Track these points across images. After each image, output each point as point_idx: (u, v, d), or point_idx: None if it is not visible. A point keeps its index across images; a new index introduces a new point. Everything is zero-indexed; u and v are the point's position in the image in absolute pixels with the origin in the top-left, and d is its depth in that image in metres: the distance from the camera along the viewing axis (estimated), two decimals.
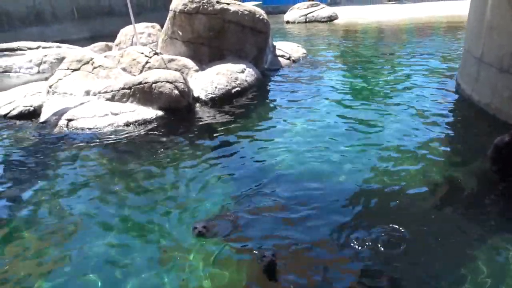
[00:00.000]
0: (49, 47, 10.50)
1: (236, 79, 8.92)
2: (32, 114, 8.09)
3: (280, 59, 11.68)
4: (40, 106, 8.17)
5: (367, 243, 3.89)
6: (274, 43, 12.19)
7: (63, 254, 4.00)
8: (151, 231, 4.31)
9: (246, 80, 9.11)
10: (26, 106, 8.22)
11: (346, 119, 7.21)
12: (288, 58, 11.82)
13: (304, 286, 3.47)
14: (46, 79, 9.26)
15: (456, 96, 7.99)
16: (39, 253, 4.05)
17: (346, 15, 22.70)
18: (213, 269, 3.70)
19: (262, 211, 4.53)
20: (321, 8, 22.84)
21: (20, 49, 10.10)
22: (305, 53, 12.65)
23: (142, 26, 12.16)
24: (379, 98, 8.36)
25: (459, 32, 15.57)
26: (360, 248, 3.84)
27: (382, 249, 3.81)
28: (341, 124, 6.98)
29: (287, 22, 22.77)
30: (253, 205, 4.64)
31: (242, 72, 9.22)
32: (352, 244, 3.90)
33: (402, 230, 4.02)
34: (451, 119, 7.03)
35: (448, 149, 6.01)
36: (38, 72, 9.57)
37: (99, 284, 3.58)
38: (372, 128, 6.70)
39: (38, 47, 10.35)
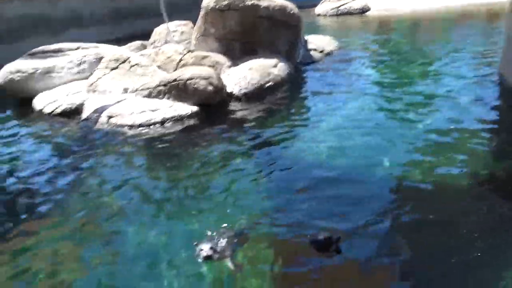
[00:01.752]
0: (88, 48, 10.88)
1: (269, 74, 8.95)
2: (74, 112, 8.44)
3: (312, 53, 11.59)
4: (82, 104, 8.51)
5: (405, 243, 3.85)
6: (306, 37, 12.11)
7: (97, 242, 4.19)
8: (172, 234, 4.24)
9: (279, 75, 9.12)
10: (69, 105, 8.58)
11: (382, 112, 7.10)
12: (321, 52, 11.71)
13: None
14: (86, 78, 9.62)
15: (499, 87, 7.69)
16: (75, 240, 4.29)
17: (379, 6, 22.18)
18: None
19: (291, 215, 4.35)
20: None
21: (61, 51, 10.52)
22: (337, 47, 12.50)
23: (175, 25, 12.38)
24: (416, 90, 8.16)
25: (499, 19, 14.89)
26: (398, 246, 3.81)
27: (421, 246, 3.76)
28: (377, 117, 6.88)
29: (319, 15, 22.52)
30: (282, 210, 4.47)
31: (275, 67, 9.24)
32: (390, 243, 3.87)
33: (441, 228, 3.95)
34: (494, 111, 6.77)
35: (491, 142, 5.81)
36: (78, 72, 9.95)
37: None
38: (410, 121, 6.57)
39: (77, 48, 10.74)
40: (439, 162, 5.18)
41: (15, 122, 8.54)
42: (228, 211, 4.52)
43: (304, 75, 10.15)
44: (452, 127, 6.12)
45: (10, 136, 7.70)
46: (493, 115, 6.62)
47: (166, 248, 4.00)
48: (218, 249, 3.61)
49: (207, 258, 3.51)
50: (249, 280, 3.52)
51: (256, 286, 3.47)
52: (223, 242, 3.74)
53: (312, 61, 11.22)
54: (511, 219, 3.98)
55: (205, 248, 3.53)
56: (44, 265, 3.94)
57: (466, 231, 3.81)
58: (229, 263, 3.57)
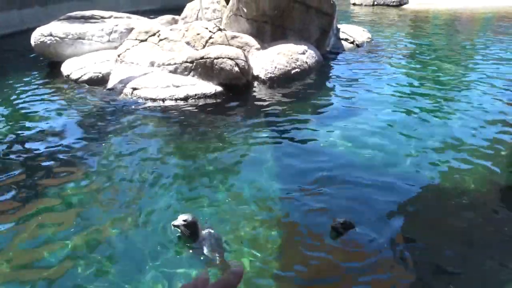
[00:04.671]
0: (120, 17, 10.95)
1: (297, 60, 8.83)
2: (100, 80, 8.54)
3: (343, 42, 11.35)
4: (108, 74, 8.60)
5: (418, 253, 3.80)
6: (339, 26, 11.85)
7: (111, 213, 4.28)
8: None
9: (306, 62, 8.98)
10: (96, 73, 8.69)
11: (408, 110, 6.93)
12: (352, 42, 11.46)
13: None
14: (115, 48, 9.70)
15: None
16: (93, 206, 4.38)
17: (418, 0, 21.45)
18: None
19: (301, 202, 4.44)
20: None
21: (94, 18, 10.62)
22: (370, 38, 12.19)
23: (208, 1, 12.26)
24: (445, 91, 7.93)
25: None
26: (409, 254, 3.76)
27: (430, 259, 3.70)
28: (402, 115, 6.73)
29: (354, 4, 21.97)
30: (291, 198, 4.50)
31: (303, 53, 9.10)
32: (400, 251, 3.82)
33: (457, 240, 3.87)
34: None
35: None
36: (109, 40, 10.04)
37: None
38: (435, 122, 6.41)
39: (110, 17, 10.82)
40: (458, 164, 5.06)
41: (41, 86, 8.71)
42: (235, 194, 4.56)
43: (332, 65, 9.96)
44: (476, 132, 5.96)
45: (35, 99, 7.87)
46: None
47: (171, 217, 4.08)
48: (192, 224, 3.60)
49: (176, 226, 3.61)
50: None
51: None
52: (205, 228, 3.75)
53: (342, 51, 10.99)
54: None
55: (180, 218, 3.60)
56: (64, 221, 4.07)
57: (480, 239, 3.72)
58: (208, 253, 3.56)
